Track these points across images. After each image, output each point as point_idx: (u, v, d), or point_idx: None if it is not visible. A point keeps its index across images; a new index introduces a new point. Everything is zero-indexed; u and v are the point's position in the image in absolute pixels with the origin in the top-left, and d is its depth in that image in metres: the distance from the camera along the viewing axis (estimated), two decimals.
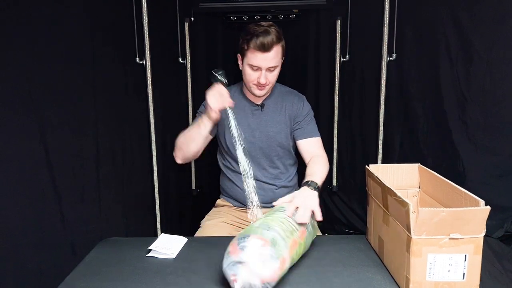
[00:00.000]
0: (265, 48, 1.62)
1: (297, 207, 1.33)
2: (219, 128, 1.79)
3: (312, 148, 1.79)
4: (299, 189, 1.91)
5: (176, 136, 2.22)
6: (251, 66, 1.67)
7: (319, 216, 1.35)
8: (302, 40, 2.30)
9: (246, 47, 1.66)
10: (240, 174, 1.80)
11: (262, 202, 1.55)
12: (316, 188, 1.50)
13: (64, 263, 1.54)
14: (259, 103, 1.79)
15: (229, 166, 1.83)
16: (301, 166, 1.85)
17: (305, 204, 1.34)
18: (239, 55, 1.74)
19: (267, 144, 1.77)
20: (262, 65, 1.65)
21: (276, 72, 1.70)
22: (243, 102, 1.79)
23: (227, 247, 1.12)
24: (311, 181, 1.52)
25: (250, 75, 1.69)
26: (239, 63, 1.75)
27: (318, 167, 1.67)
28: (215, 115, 1.59)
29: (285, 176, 1.83)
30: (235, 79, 1.87)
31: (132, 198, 1.92)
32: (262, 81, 1.66)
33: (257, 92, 1.72)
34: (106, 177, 1.78)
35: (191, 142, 1.69)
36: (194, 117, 2.26)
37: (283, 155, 1.81)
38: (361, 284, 1.19)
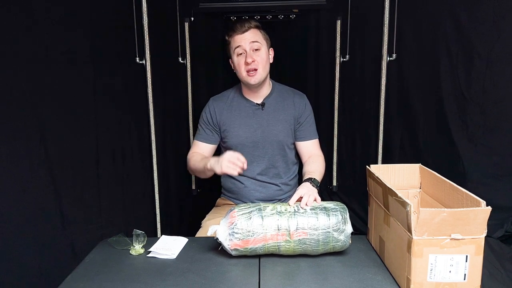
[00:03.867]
0: (242, 28, 1.70)
1: (300, 197, 1.40)
2: (222, 134, 1.80)
3: (311, 149, 1.84)
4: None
5: (175, 137, 2.24)
6: (236, 51, 1.71)
7: (319, 200, 1.42)
8: (302, 40, 2.29)
9: (228, 38, 1.74)
10: (241, 174, 1.80)
11: (264, 200, 1.56)
12: (317, 186, 1.57)
13: (64, 263, 1.54)
14: (259, 102, 1.78)
15: None
16: (301, 165, 1.85)
17: (308, 193, 1.42)
18: (230, 59, 1.78)
19: (269, 143, 1.78)
20: (243, 44, 1.69)
21: (262, 53, 1.71)
22: (243, 103, 1.79)
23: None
24: (314, 178, 1.59)
25: (239, 63, 1.72)
26: (232, 67, 1.79)
27: (316, 165, 1.74)
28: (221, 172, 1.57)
29: (286, 175, 1.84)
30: (235, 82, 1.87)
31: (132, 198, 1.92)
32: (248, 59, 1.68)
33: (250, 80, 1.71)
34: (106, 177, 1.78)
35: (200, 174, 1.77)
36: (194, 118, 2.27)
37: (284, 154, 1.82)
38: (362, 285, 1.19)
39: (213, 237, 1.36)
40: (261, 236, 1.29)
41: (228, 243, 1.31)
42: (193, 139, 2.27)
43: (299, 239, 1.30)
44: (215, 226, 1.34)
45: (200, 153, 1.79)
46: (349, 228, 1.32)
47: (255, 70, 1.69)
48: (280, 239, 1.30)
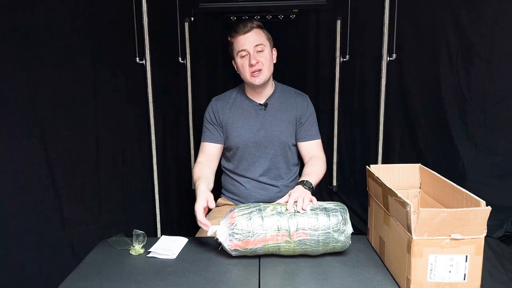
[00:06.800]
0: (244, 29, 1.67)
1: (295, 201, 1.37)
2: (224, 133, 1.79)
3: (312, 150, 1.82)
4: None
5: (175, 137, 2.24)
6: (240, 54, 1.70)
7: (315, 201, 1.38)
8: (302, 40, 2.30)
9: (231, 40, 1.72)
10: (242, 176, 1.80)
11: (264, 201, 1.56)
12: (311, 188, 1.54)
13: (64, 263, 1.55)
14: (262, 102, 1.78)
15: (231, 169, 1.83)
16: (302, 166, 1.85)
17: (301, 195, 1.39)
18: (233, 60, 1.77)
19: (271, 144, 1.77)
20: (247, 46, 1.67)
21: (266, 53, 1.70)
22: (245, 103, 1.79)
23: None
24: (306, 180, 1.57)
25: (242, 64, 1.70)
26: (235, 67, 1.77)
27: (314, 167, 1.72)
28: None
29: (287, 176, 1.83)
30: (235, 82, 1.87)
31: (132, 198, 1.92)
32: (252, 61, 1.67)
33: (255, 80, 1.70)
34: (106, 177, 1.78)
35: None
36: (194, 118, 2.27)
37: (286, 155, 1.81)
38: (362, 285, 1.19)
39: (213, 237, 1.36)
40: (261, 236, 1.29)
41: (228, 244, 1.31)
42: (193, 139, 2.29)
43: (299, 240, 1.30)
44: (215, 227, 1.34)
45: (202, 165, 1.77)
46: (349, 229, 1.32)
47: (260, 70, 1.68)
48: (280, 240, 1.30)
